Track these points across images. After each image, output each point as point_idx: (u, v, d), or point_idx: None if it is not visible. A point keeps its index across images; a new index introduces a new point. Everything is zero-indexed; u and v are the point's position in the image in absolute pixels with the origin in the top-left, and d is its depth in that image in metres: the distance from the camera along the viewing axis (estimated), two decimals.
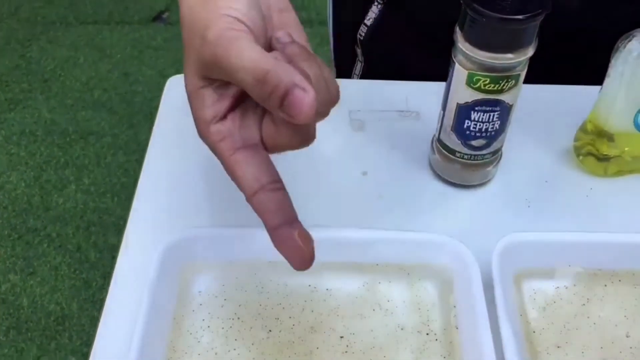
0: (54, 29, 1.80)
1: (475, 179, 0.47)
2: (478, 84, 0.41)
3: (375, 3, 0.62)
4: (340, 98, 0.56)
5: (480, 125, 0.43)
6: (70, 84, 1.65)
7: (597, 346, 0.37)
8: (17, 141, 1.53)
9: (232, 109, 0.33)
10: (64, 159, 1.48)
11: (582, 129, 0.48)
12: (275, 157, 0.33)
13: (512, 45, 0.39)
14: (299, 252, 0.31)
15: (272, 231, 0.32)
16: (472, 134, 0.43)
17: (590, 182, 0.48)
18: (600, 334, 0.38)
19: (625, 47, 0.42)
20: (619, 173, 0.48)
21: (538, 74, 0.54)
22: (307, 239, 0.32)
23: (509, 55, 0.39)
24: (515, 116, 0.51)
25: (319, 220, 0.44)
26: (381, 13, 0.63)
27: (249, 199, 0.32)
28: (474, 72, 0.40)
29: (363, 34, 0.65)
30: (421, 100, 0.53)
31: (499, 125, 0.43)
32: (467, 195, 0.47)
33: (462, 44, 0.40)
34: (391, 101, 0.53)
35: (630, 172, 0.48)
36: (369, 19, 0.64)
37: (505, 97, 0.41)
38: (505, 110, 0.42)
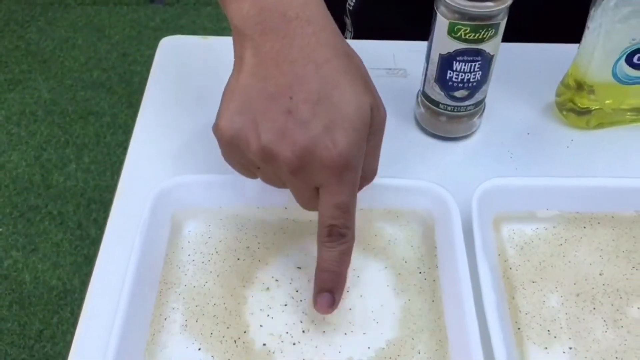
0: (52, 10, 1.81)
1: (460, 130, 0.48)
2: (459, 34, 0.42)
3: None
4: None
5: (462, 75, 0.44)
6: (69, 64, 1.66)
7: (570, 282, 0.39)
8: (17, 121, 1.54)
9: None
10: (64, 138, 1.49)
11: (564, 84, 0.49)
12: None
13: None
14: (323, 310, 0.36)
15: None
16: (455, 84, 0.45)
17: (572, 134, 0.49)
18: (574, 271, 0.39)
19: None
20: (600, 125, 0.49)
21: (523, 33, 0.55)
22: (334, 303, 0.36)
23: (489, 4, 0.41)
24: (499, 73, 0.53)
25: None
26: None
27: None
28: (455, 21, 0.41)
29: (352, 5, 0.66)
30: (408, 58, 0.54)
31: (481, 76, 0.44)
32: (452, 146, 0.48)
33: None
34: (379, 60, 0.55)
35: (611, 124, 0.50)
36: None
37: (485, 47, 0.43)
38: (486, 61, 0.44)
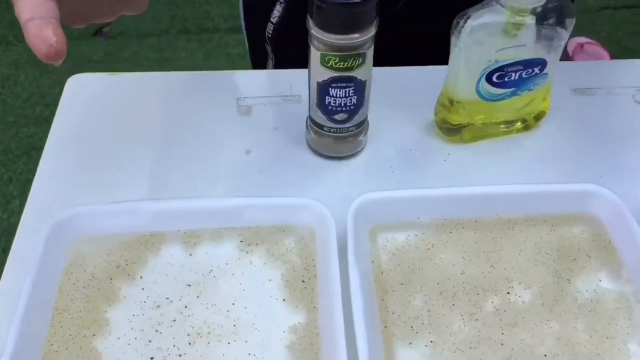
0: None
1: (347, 150, 0.52)
2: (330, 63, 0.46)
3: (279, 2, 0.68)
4: (230, 87, 0.62)
5: (339, 100, 0.48)
6: (11, 101, 1.67)
7: (434, 282, 0.43)
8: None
9: None
10: (7, 175, 1.50)
11: (439, 102, 0.54)
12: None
13: (354, 26, 0.45)
14: (44, 38, 0.35)
15: (24, 26, 0.35)
16: (334, 108, 0.49)
17: (449, 149, 0.54)
18: (439, 272, 0.43)
19: (460, 24, 0.48)
20: (474, 139, 0.54)
21: (404, 56, 0.60)
22: (60, 36, 0.35)
23: (354, 35, 0.45)
24: (385, 95, 0.57)
25: (202, 194, 0.49)
26: (284, 11, 0.68)
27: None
28: (325, 52, 0.46)
29: (270, 32, 0.70)
30: (304, 85, 0.58)
31: (357, 100, 0.49)
32: (339, 165, 0.52)
33: (313, 29, 0.45)
34: (277, 88, 0.59)
35: (485, 137, 0.54)
36: (274, 17, 0.69)
37: (356, 74, 0.47)
38: (359, 86, 0.48)
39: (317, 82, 0.48)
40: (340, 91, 0.48)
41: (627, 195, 0.46)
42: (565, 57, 1.87)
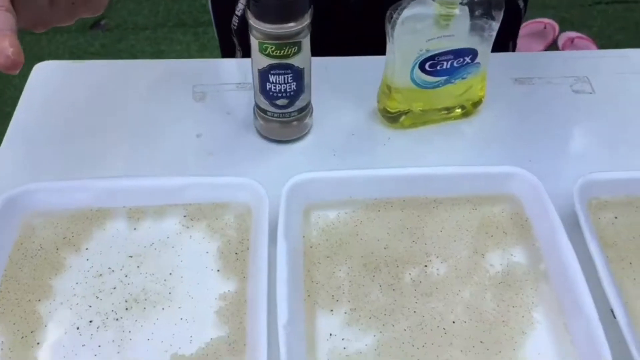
0: None
1: (291, 134, 0.55)
2: (268, 51, 0.49)
3: None
4: (187, 75, 0.65)
5: (278, 86, 0.51)
6: (10, 93, 1.71)
7: (358, 256, 0.46)
8: None
9: None
10: None
11: (381, 90, 0.57)
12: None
13: (288, 16, 0.48)
14: (1, 50, 0.37)
15: None
16: (274, 94, 0.52)
17: (389, 134, 0.57)
18: (363, 246, 0.46)
19: (394, 16, 0.51)
20: (414, 125, 0.57)
21: (350, 46, 0.63)
22: (16, 47, 0.38)
23: (289, 25, 0.48)
24: (334, 83, 0.60)
25: (152, 173, 0.53)
26: (247, 2, 0.71)
27: None
28: (262, 41, 0.49)
29: (236, 24, 0.73)
30: None
31: (296, 86, 0.52)
32: (285, 149, 0.55)
33: (251, 20, 0.48)
34: (232, 76, 0.62)
35: (425, 123, 0.57)
36: (239, 10, 0.72)
37: (293, 62, 0.50)
38: (297, 73, 0.51)
39: (258, 70, 0.51)
40: (279, 77, 0.51)
41: (552, 178, 0.49)
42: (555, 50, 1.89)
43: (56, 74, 0.62)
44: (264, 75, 0.51)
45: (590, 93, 0.60)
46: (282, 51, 0.49)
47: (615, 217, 0.47)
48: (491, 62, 0.56)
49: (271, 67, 0.50)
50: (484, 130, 0.57)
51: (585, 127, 0.57)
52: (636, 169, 0.51)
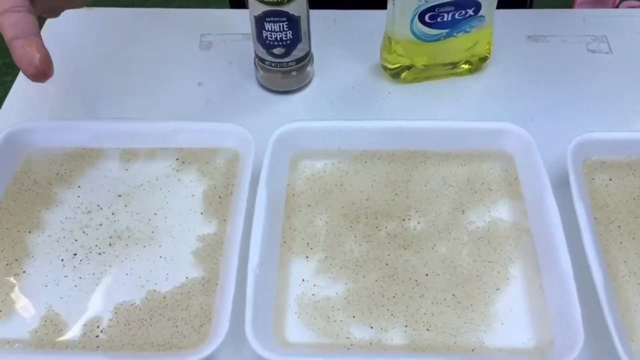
0: None
1: (289, 85, 0.55)
2: None
3: None
4: (196, 24, 0.65)
5: (275, 34, 0.51)
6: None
7: (339, 206, 0.46)
8: None
9: None
10: None
11: (383, 44, 0.55)
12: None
13: None
14: (30, 60, 0.37)
15: (9, 44, 0.37)
16: (271, 42, 0.52)
17: (390, 88, 0.56)
18: (346, 197, 0.46)
19: None
20: (416, 79, 0.56)
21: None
22: (44, 54, 0.38)
23: None
24: (342, 35, 0.60)
25: (148, 117, 0.54)
26: None
27: None
28: None
29: None
30: None
31: (292, 35, 0.51)
32: (283, 99, 0.55)
33: None
34: (239, 26, 0.62)
35: (427, 78, 0.56)
36: None
37: (288, 9, 0.49)
38: (293, 21, 0.50)
39: (254, 16, 0.51)
40: (274, 25, 0.50)
41: (554, 139, 0.47)
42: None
43: (69, 19, 0.63)
44: (259, 22, 0.51)
45: (607, 53, 0.57)
46: None
47: (610, 179, 0.45)
48: (505, 17, 0.54)
49: (266, 15, 0.50)
50: (489, 86, 0.56)
51: (596, 88, 0.55)
52: None
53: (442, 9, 0.50)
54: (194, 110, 0.55)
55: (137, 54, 0.60)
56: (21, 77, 0.58)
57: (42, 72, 0.38)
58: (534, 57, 0.57)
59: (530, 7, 0.68)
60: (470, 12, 0.51)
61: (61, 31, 0.62)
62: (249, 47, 0.59)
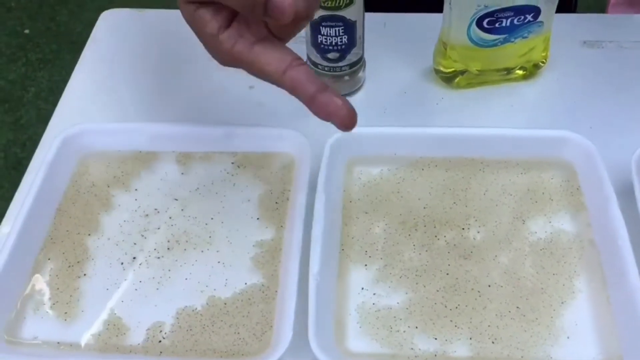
0: None
1: (342, 89, 0.55)
2: (320, 2, 0.48)
3: None
4: None
5: (330, 39, 0.51)
6: (75, 38, 1.78)
7: (397, 214, 0.45)
8: (46, 97, 1.68)
9: (233, 17, 0.36)
10: None
11: (437, 48, 0.55)
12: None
13: None
14: (342, 110, 0.34)
15: (311, 100, 0.34)
16: (326, 47, 0.51)
17: (443, 93, 0.55)
18: (403, 204, 0.46)
19: None
20: (470, 85, 0.55)
21: (416, 3, 0.61)
22: (344, 100, 0.35)
23: None
24: (391, 39, 0.59)
25: (201, 120, 0.54)
26: None
27: (280, 79, 0.35)
28: None
29: None
30: None
31: (347, 40, 0.51)
32: None
33: None
34: None
35: (481, 84, 0.55)
36: None
37: (345, 14, 0.49)
38: (349, 26, 0.50)
39: (310, 21, 0.50)
40: (330, 30, 0.50)
41: (613, 148, 0.46)
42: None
43: (121, 21, 0.64)
44: (315, 27, 0.50)
45: None
46: (334, 2, 0.48)
47: None
48: (558, 22, 0.53)
49: (322, 19, 0.50)
50: (544, 93, 0.55)
51: None
52: None
53: (501, 15, 0.49)
54: (246, 114, 0.55)
55: (187, 57, 0.60)
56: (74, 80, 0.59)
57: (354, 119, 0.36)
58: (590, 63, 0.56)
59: (575, 11, 0.67)
60: (529, 17, 0.50)
61: (113, 34, 0.63)
62: (300, 50, 0.59)
